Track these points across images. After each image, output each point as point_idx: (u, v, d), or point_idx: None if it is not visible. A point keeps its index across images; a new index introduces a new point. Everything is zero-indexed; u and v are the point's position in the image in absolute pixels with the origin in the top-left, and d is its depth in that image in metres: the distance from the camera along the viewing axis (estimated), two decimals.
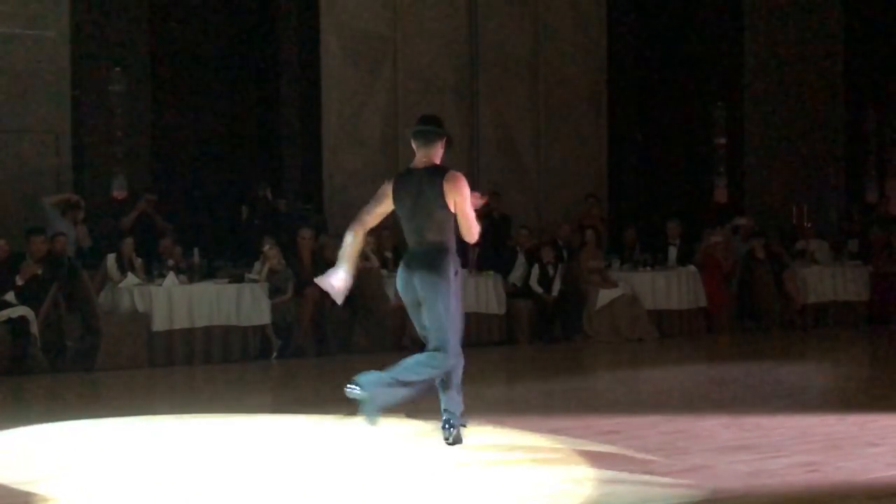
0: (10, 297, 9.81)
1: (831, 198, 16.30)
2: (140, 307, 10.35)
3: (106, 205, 12.34)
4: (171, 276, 10.51)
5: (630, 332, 12.09)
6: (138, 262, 10.84)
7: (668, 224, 13.28)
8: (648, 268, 12.75)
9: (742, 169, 15.78)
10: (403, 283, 5.84)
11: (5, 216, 11.53)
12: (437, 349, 5.72)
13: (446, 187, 5.69)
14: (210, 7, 13.90)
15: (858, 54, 16.55)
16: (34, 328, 9.75)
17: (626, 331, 12.08)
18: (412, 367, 5.73)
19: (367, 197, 6.11)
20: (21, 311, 9.73)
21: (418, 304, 5.80)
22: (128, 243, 10.90)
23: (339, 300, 5.97)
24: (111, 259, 10.78)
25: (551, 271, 12.19)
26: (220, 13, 13.97)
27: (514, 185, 14.00)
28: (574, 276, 12.26)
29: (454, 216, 5.75)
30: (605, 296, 12.10)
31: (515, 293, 12.13)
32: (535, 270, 12.18)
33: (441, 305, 5.70)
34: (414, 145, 5.88)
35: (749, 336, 12.65)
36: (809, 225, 14.91)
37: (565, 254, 12.58)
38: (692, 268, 12.81)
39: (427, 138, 5.83)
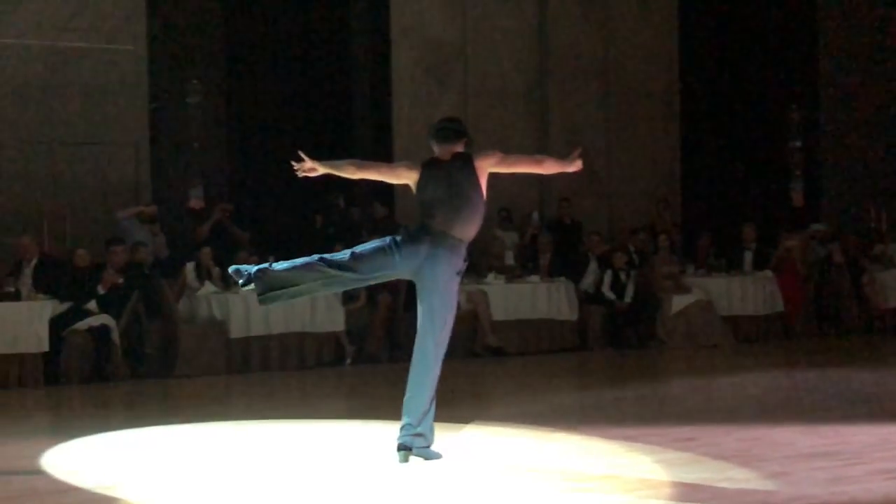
0: (91, 305, 9.98)
1: None
2: (217, 314, 10.50)
3: (184, 215, 12.53)
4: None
5: (705, 338, 11.99)
6: (216, 270, 10.99)
7: (743, 228, 13.17)
8: (723, 273, 12.65)
9: (818, 172, 15.58)
10: (411, 245, 5.60)
11: (86, 227, 11.78)
12: (434, 346, 5.74)
13: (478, 163, 5.67)
14: (284, 19, 14.05)
15: None
16: (115, 336, 9.90)
17: (700, 337, 11.99)
18: (429, 401, 5.69)
19: None
20: (102, 319, 9.89)
21: (407, 272, 5.66)
22: (206, 252, 11.06)
23: (300, 172, 6.04)
24: (190, 268, 10.94)
25: (623, 277, 12.13)
26: (294, 25, 14.12)
27: (585, 191, 13.94)
28: (647, 282, 12.19)
29: (484, 207, 5.69)
30: (679, 301, 12.02)
31: (587, 299, 12.09)
32: (608, 276, 12.13)
33: (447, 302, 5.65)
34: (434, 145, 5.79)
35: (826, 342, 12.47)
36: (887, 228, 14.70)
37: (637, 259, 12.51)
38: (768, 272, 12.69)
39: (447, 137, 5.77)
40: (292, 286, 5.65)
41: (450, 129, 5.80)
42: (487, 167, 5.69)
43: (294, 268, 5.64)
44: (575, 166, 5.99)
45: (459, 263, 5.65)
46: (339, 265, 5.58)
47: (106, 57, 12.19)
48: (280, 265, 5.70)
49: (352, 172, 5.92)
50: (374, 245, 5.66)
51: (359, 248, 5.66)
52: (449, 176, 5.65)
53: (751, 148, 15.56)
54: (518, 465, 5.86)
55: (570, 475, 5.59)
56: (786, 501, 4.92)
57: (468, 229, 5.66)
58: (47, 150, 11.99)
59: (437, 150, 5.77)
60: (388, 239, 5.67)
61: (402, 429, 5.60)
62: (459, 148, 5.76)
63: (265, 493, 5.27)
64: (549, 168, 6.09)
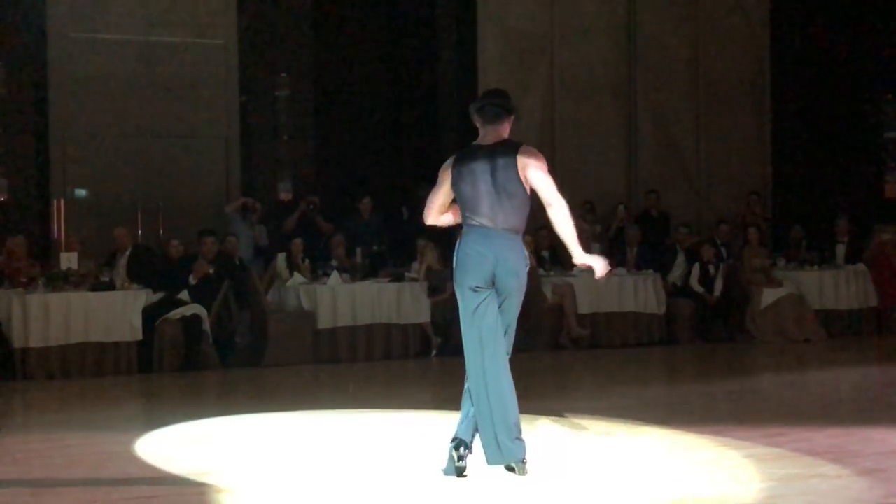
0: (183, 295, 10.14)
1: None
2: (306, 305, 10.60)
3: (273, 206, 12.68)
4: (335, 276, 10.75)
5: (796, 332, 11.82)
6: (305, 262, 11.11)
7: (836, 221, 12.97)
8: (815, 266, 12.47)
9: None
10: (473, 264, 5.12)
11: (179, 218, 11.99)
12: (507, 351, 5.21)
13: (521, 161, 5.11)
14: (371, 12, 14.14)
15: None
16: (206, 326, 10.03)
17: (792, 331, 11.82)
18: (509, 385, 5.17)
19: None
20: (194, 309, 10.03)
21: (492, 291, 5.16)
22: (297, 243, 11.19)
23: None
24: (281, 258, 11.08)
25: (712, 270, 12.01)
26: (379, 18, 14.21)
27: (673, 183, 13.84)
28: (737, 276, 12.05)
29: (529, 197, 5.18)
30: (769, 295, 11.86)
31: (675, 292, 12.00)
32: (696, 269, 12.02)
33: (519, 300, 5.22)
34: (478, 122, 5.26)
35: None
36: None
37: (725, 252, 12.37)
38: (862, 266, 12.48)
39: (494, 114, 5.23)
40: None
41: (496, 106, 5.27)
42: (524, 166, 5.13)
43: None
44: (582, 263, 5.29)
45: (525, 258, 5.26)
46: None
47: (197, 51, 12.39)
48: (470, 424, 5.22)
49: (440, 218, 5.42)
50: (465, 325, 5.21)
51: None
52: (492, 166, 5.13)
53: (843, 139, 15.29)
54: (602, 456, 5.84)
55: (656, 469, 5.56)
56: (880, 499, 4.84)
57: (519, 219, 5.19)
58: (140, 143, 12.22)
59: (482, 129, 5.27)
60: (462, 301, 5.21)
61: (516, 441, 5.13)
62: (508, 125, 5.27)
63: (345, 480, 5.33)
64: (558, 218, 5.18)
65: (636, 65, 13.81)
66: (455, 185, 5.21)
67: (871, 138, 15.04)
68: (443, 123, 14.02)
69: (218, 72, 12.46)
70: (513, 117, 5.31)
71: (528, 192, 5.19)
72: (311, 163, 13.75)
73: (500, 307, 5.22)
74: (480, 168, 5.16)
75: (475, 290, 5.16)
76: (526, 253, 5.31)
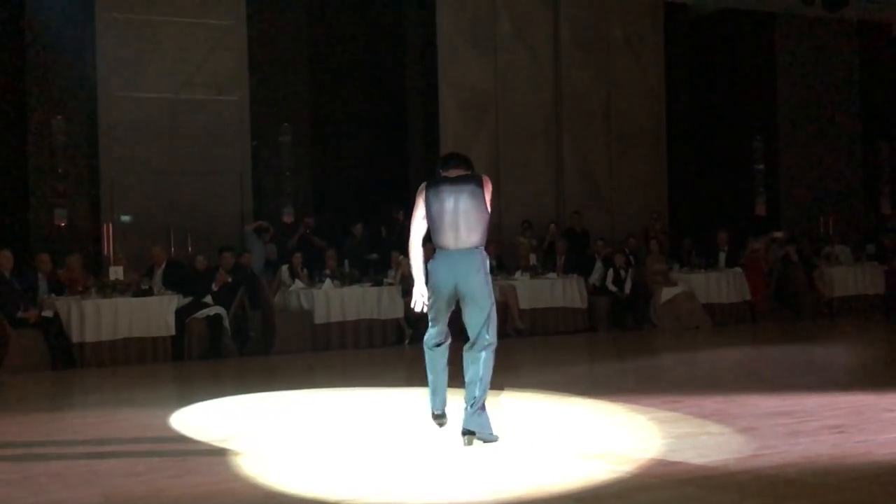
0: (208, 299, 10.09)
1: (852, 210, 15.91)
2: (305, 305, 10.55)
3: (278, 227, 12.64)
4: (328, 282, 10.71)
5: (688, 321, 11.89)
6: (304, 271, 11.07)
7: (718, 234, 13.06)
8: (703, 269, 12.55)
9: (777, 189, 15.46)
10: (439, 281, 4.98)
11: (202, 238, 11.90)
12: (489, 344, 5.04)
13: (485, 188, 5.00)
14: (356, 75, 14.15)
15: (873, 95, 16.14)
16: (226, 323, 9.99)
17: (685, 321, 11.89)
18: (487, 374, 5.05)
19: None
20: (216, 309, 9.99)
21: (452, 300, 5.04)
22: (297, 257, 11.13)
23: (423, 310, 5.15)
24: (284, 269, 11.03)
25: (623, 274, 12.07)
26: (363, 80, 14.22)
27: (592, 206, 13.91)
28: (642, 277, 12.12)
29: (488, 217, 5.06)
30: (667, 292, 11.94)
31: (594, 291, 12.05)
32: (610, 273, 12.07)
33: (488, 303, 5.01)
34: (441, 173, 5.10)
35: (786, 324, 12.33)
36: (833, 233, 14.59)
37: (633, 259, 12.45)
38: (738, 269, 12.57)
39: (455, 164, 5.08)
40: (442, 382, 5.23)
41: (457, 158, 5.14)
42: (486, 192, 5.04)
43: (437, 379, 5.22)
44: (417, 293, 5.09)
45: (487, 268, 5.06)
46: (437, 343, 5.16)
47: (217, 106, 12.33)
48: (436, 395, 5.25)
49: (420, 250, 5.16)
50: (429, 311, 5.13)
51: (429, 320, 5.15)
52: (457, 194, 4.97)
53: (722, 170, 15.47)
54: (540, 423, 5.85)
55: (581, 429, 5.58)
56: (754, 451, 4.89)
57: (480, 236, 5.02)
58: (171, 180, 12.14)
59: (446, 172, 5.10)
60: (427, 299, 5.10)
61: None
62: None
63: (342, 444, 5.31)
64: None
65: (562, 114, 13.89)
66: (428, 205, 5.03)
67: (743, 170, 15.21)
68: (412, 161, 14.05)
69: (233, 122, 12.40)
70: (469, 173, 5.11)
71: (489, 211, 5.08)
72: (309, 193, 13.71)
73: (469, 308, 5.04)
74: (448, 195, 5.00)
75: (440, 296, 5.06)
76: (486, 259, 5.10)
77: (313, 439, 5.50)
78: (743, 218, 14.80)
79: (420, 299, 5.11)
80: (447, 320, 5.21)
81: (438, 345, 5.21)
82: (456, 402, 5.33)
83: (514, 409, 6.37)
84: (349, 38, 14.10)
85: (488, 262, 5.14)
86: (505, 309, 11.31)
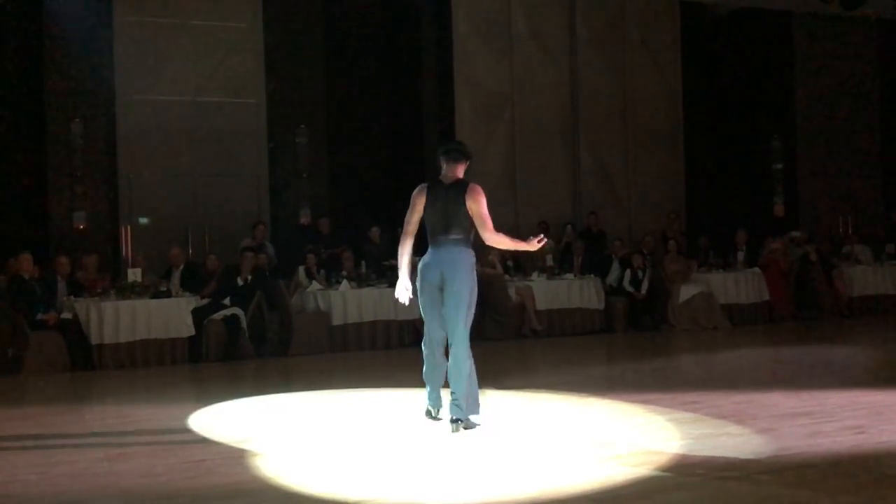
0: (226, 300, 10.11)
1: (872, 210, 15.82)
2: (322, 307, 10.57)
3: (295, 229, 12.67)
4: (344, 283, 10.72)
5: (706, 321, 11.85)
6: (321, 273, 11.08)
7: (736, 234, 13.02)
8: (721, 270, 12.50)
9: (796, 188, 15.37)
10: (427, 271, 5.43)
11: (221, 240, 11.96)
12: (461, 341, 5.37)
13: (467, 197, 5.41)
14: (371, 77, 14.17)
15: (892, 94, 16.04)
16: (244, 324, 10.00)
17: (703, 321, 11.85)
18: (465, 367, 5.39)
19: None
20: (234, 311, 10.01)
21: (439, 289, 5.40)
22: (310, 259, 11.16)
23: (406, 302, 5.57)
24: (301, 270, 11.05)
25: (640, 274, 12.04)
26: (379, 81, 14.23)
27: (609, 206, 13.88)
28: (659, 278, 12.08)
29: (471, 224, 5.44)
30: (685, 293, 11.89)
31: (612, 292, 12.02)
32: (628, 273, 12.04)
33: (464, 291, 5.35)
34: (442, 162, 5.56)
35: (805, 324, 12.26)
36: (852, 232, 14.51)
37: (650, 260, 12.41)
38: (756, 269, 12.52)
39: (455, 158, 5.53)
40: (437, 380, 5.64)
41: (457, 151, 5.57)
42: (470, 200, 5.42)
43: (433, 379, 5.63)
44: (532, 246, 5.47)
45: (471, 260, 5.45)
46: (430, 340, 5.55)
47: (234, 108, 12.38)
48: (430, 390, 5.71)
49: (412, 243, 5.56)
50: (420, 308, 5.54)
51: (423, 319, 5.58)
52: (446, 198, 5.44)
53: (741, 169, 15.39)
54: (558, 424, 5.83)
55: (598, 431, 5.56)
56: (773, 452, 4.85)
57: (465, 233, 5.43)
58: (190, 182, 12.20)
59: (444, 167, 5.55)
60: (420, 297, 5.49)
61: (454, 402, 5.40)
62: (463, 167, 5.53)
63: (358, 444, 5.31)
64: (495, 241, 5.51)
65: (579, 115, 13.86)
66: (425, 208, 5.48)
67: (762, 169, 15.14)
68: (427, 163, 14.04)
69: (250, 124, 12.46)
70: (469, 162, 5.58)
71: (471, 218, 5.45)
72: (325, 195, 13.74)
73: (448, 300, 5.38)
74: (440, 199, 5.46)
75: (429, 286, 5.44)
76: (471, 257, 5.47)
77: (331, 440, 5.50)
78: (761, 218, 14.72)
79: (404, 292, 5.51)
80: (440, 318, 5.47)
81: (433, 347, 5.54)
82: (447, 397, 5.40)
83: (531, 409, 6.35)
84: (365, 40, 14.13)
85: (474, 261, 5.50)
86: (522, 310, 11.31)
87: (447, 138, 13.46)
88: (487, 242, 5.57)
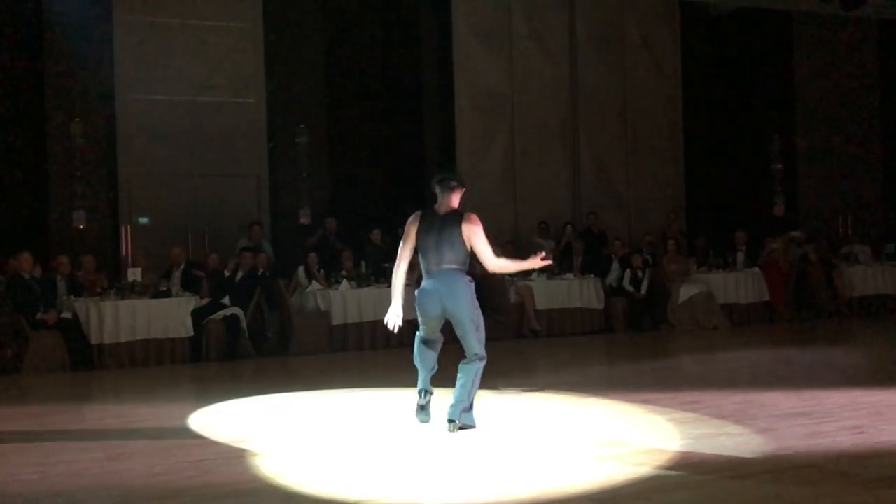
0: (225, 300, 10.12)
1: (871, 210, 15.82)
2: (322, 306, 10.58)
3: (295, 228, 12.67)
4: (344, 283, 10.72)
5: (706, 321, 11.85)
6: (321, 272, 11.08)
7: (736, 234, 13.02)
8: (721, 270, 12.50)
9: (795, 188, 15.37)
10: (426, 300, 5.52)
11: (220, 239, 11.95)
12: (475, 355, 5.47)
13: (464, 227, 5.47)
14: (371, 77, 14.17)
15: (892, 94, 16.04)
16: (243, 324, 10.02)
17: (703, 321, 11.86)
18: (473, 381, 5.49)
19: (490, 218, 6.05)
20: (233, 310, 10.02)
21: (440, 318, 5.55)
22: (312, 258, 11.17)
23: (395, 329, 5.66)
24: (300, 270, 11.05)
25: (640, 274, 12.04)
26: (379, 81, 14.23)
27: (608, 207, 13.88)
28: (659, 278, 12.08)
29: (469, 248, 5.50)
30: (685, 293, 11.90)
31: (612, 292, 12.02)
32: (627, 273, 12.05)
33: (469, 318, 5.44)
34: (437, 190, 5.61)
35: (804, 324, 12.27)
36: (851, 232, 14.51)
37: (650, 260, 12.41)
38: (756, 269, 12.52)
39: (449, 187, 5.57)
40: (428, 362, 5.77)
41: (451, 180, 5.60)
42: (467, 230, 5.48)
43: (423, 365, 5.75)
44: (536, 264, 5.54)
45: (469, 286, 5.49)
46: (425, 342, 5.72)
47: (233, 108, 12.38)
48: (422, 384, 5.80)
49: (405, 271, 5.62)
50: (420, 329, 5.69)
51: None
52: (441, 227, 5.49)
53: (740, 169, 15.39)
54: (558, 424, 5.83)
55: (599, 431, 5.56)
56: (773, 452, 4.85)
57: (459, 262, 5.49)
58: (189, 182, 12.19)
59: (439, 197, 5.60)
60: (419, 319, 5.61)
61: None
62: (458, 196, 5.60)
63: (358, 444, 5.31)
64: (498, 269, 5.67)
65: (579, 115, 13.86)
66: (419, 236, 5.53)
67: (762, 169, 15.13)
68: (427, 162, 14.05)
69: (250, 124, 12.45)
70: (463, 190, 5.64)
71: (469, 246, 5.51)
72: (325, 195, 13.73)
73: (459, 328, 5.51)
74: (435, 229, 5.51)
75: (427, 318, 5.59)
76: (469, 282, 5.51)
77: (331, 440, 5.50)
78: (761, 218, 14.72)
79: (395, 318, 5.66)
80: (438, 333, 5.68)
81: (427, 341, 5.71)
82: (444, 399, 5.37)
83: (531, 409, 6.35)
84: (365, 39, 14.12)
85: (473, 286, 5.54)
86: (522, 310, 11.31)
87: (447, 138, 13.50)
88: (490, 271, 5.66)
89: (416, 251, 5.59)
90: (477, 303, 5.52)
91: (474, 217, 5.53)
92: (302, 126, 13.05)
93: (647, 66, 14.22)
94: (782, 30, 15.45)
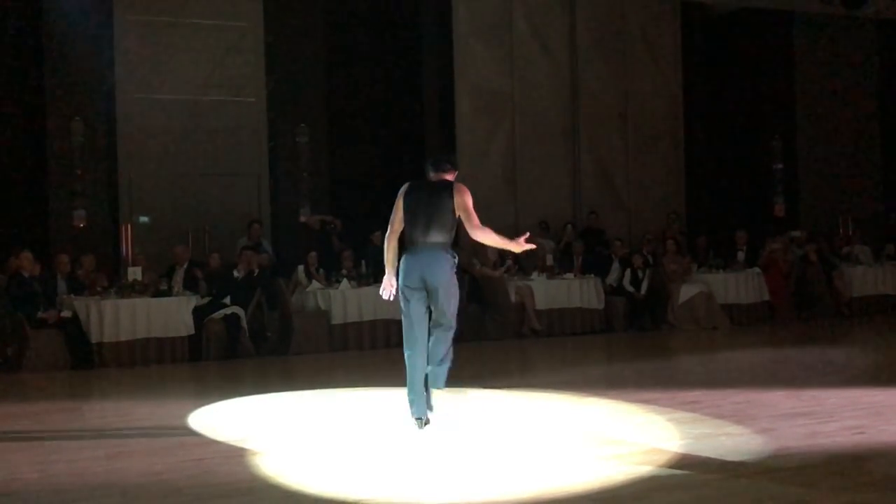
0: (226, 300, 10.12)
1: (871, 210, 15.83)
2: (322, 306, 10.57)
3: (295, 227, 12.66)
4: (345, 282, 10.72)
5: (706, 321, 11.85)
6: (321, 271, 11.08)
7: (736, 234, 13.02)
8: (721, 269, 12.50)
9: (796, 189, 15.38)
10: (408, 272, 5.39)
11: (221, 238, 11.94)
12: (449, 327, 5.41)
13: (455, 195, 5.39)
14: (372, 77, 14.17)
15: (892, 94, 16.04)
16: (244, 323, 10.01)
17: (703, 321, 11.85)
18: (445, 347, 5.41)
19: (490, 217, 6.04)
20: (234, 309, 10.01)
21: (422, 291, 5.39)
22: (312, 257, 11.15)
23: (389, 298, 5.58)
24: (300, 269, 11.05)
25: (640, 274, 12.04)
26: (380, 81, 14.24)
27: (609, 206, 13.87)
28: (659, 278, 12.08)
29: (457, 221, 5.42)
30: (685, 293, 11.89)
31: (612, 292, 12.01)
32: (628, 273, 12.04)
33: (451, 292, 5.38)
34: (430, 172, 5.57)
35: (805, 324, 12.26)
36: (852, 233, 14.52)
37: (650, 260, 12.41)
38: (756, 269, 12.52)
39: (442, 168, 5.55)
40: (420, 385, 5.54)
41: (444, 161, 5.58)
42: (458, 198, 5.40)
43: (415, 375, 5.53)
44: (519, 246, 5.47)
45: (452, 262, 5.41)
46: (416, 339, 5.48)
47: (234, 107, 12.37)
48: (414, 390, 5.55)
49: (396, 241, 5.56)
50: (403, 315, 5.50)
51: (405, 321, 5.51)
52: (429, 196, 5.41)
53: (741, 170, 15.40)
54: (558, 424, 5.83)
55: (598, 431, 5.56)
56: (773, 452, 4.85)
57: (445, 235, 5.39)
58: (189, 181, 12.19)
59: (432, 176, 5.57)
60: (401, 299, 5.46)
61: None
62: (451, 175, 5.54)
63: (358, 443, 5.31)
64: (482, 236, 5.45)
65: (579, 115, 13.85)
66: (407, 203, 5.42)
67: (762, 169, 15.14)
68: (428, 161, 14.03)
69: (251, 123, 12.44)
70: (456, 172, 5.56)
71: (456, 217, 5.42)
72: (326, 193, 13.74)
73: (431, 298, 5.38)
74: (424, 197, 5.42)
75: (409, 289, 5.41)
76: (452, 258, 5.42)
77: (331, 439, 5.50)
78: (761, 218, 14.73)
79: (388, 288, 5.53)
80: (424, 329, 5.43)
81: (415, 348, 5.48)
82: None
83: (530, 409, 6.35)
84: (365, 38, 14.12)
85: (456, 260, 5.46)
86: (522, 309, 11.31)
87: (448, 137, 13.50)
88: (473, 237, 5.51)
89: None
90: (455, 278, 5.43)
91: (464, 187, 5.46)
92: (302, 125, 13.05)
93: (647, 66, 14.21)
94: (782, 30, 15.45)
